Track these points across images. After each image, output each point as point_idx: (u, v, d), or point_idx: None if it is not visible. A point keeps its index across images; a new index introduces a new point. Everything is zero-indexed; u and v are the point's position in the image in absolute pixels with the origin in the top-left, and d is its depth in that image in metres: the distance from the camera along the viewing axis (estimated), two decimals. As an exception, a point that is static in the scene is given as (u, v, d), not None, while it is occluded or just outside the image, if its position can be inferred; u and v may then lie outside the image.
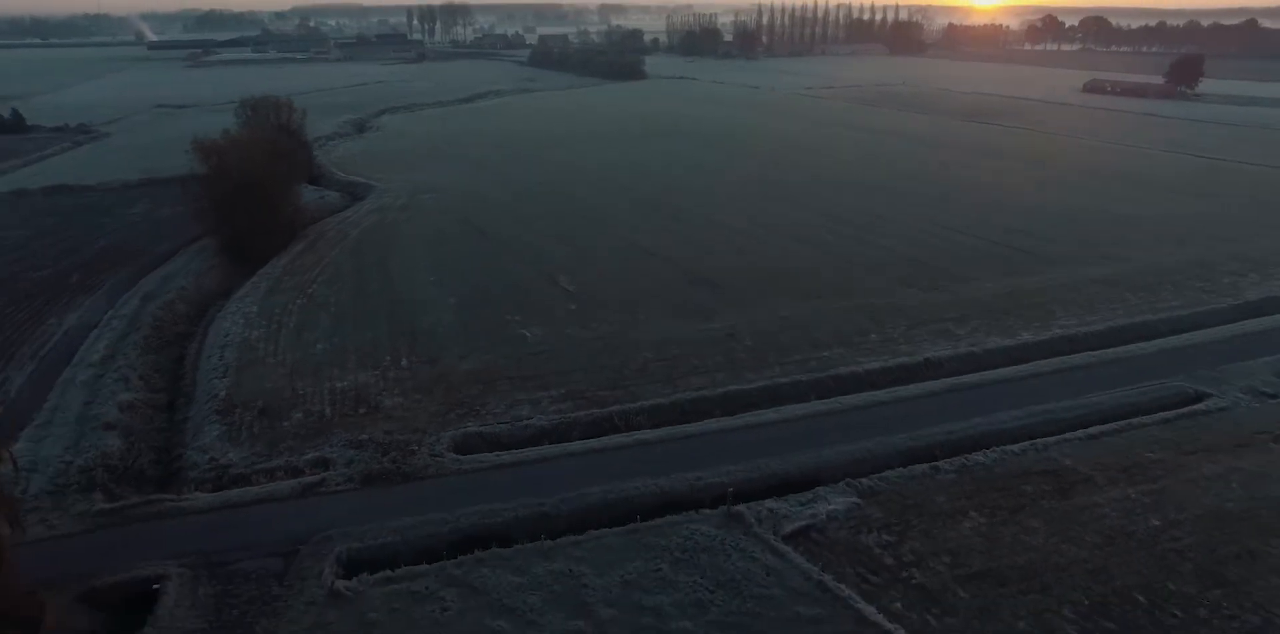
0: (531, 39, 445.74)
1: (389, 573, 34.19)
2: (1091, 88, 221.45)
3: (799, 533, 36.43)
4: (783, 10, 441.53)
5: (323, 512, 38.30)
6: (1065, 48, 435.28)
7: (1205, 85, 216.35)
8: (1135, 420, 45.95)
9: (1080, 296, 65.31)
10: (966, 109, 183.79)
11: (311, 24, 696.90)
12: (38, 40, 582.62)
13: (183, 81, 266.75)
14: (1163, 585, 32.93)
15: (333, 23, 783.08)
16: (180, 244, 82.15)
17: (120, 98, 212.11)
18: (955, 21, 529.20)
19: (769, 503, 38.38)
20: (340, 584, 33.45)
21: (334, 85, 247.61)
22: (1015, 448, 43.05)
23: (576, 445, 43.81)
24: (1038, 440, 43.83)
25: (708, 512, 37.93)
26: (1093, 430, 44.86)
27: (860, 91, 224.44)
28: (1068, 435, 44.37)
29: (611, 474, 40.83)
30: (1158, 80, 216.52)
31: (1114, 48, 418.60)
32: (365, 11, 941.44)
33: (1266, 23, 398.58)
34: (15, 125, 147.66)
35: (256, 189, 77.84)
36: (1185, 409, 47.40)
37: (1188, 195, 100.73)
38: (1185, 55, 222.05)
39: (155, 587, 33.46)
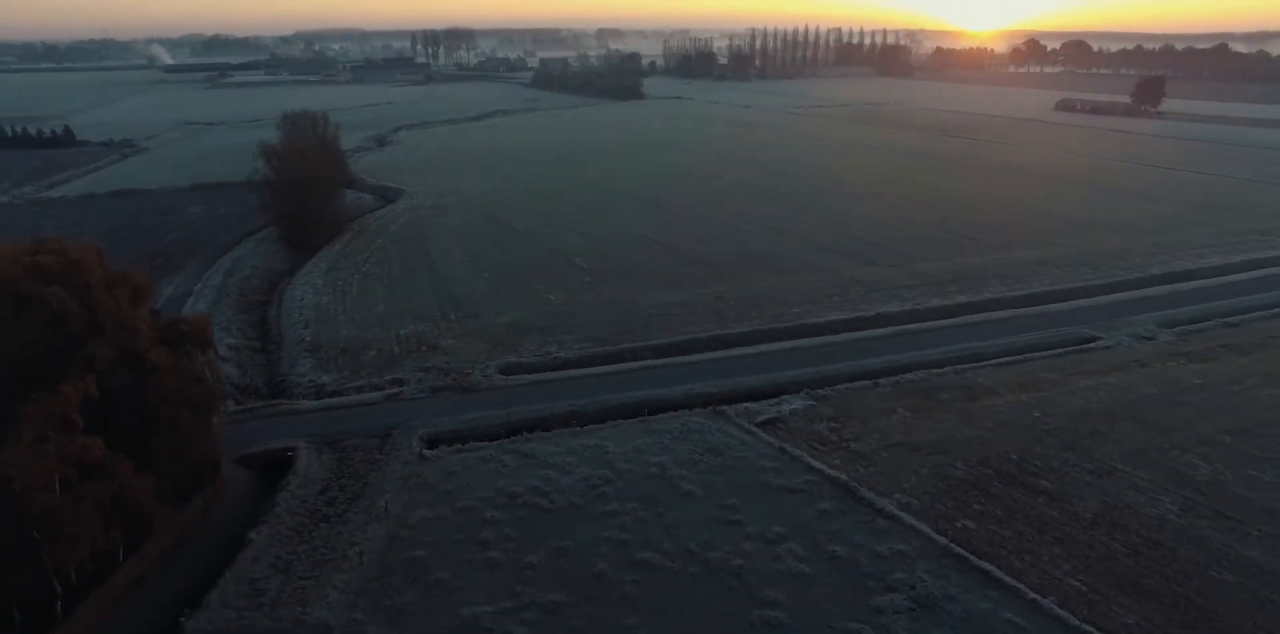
0: (533, 62, 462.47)
1: (460, 446, 46.16)
2: (1062, 106, 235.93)
3: (767, 422, 48.40)
4: (775, 35, 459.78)
5: (404, 411, 50.30)
6: (1048, 70, 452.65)
7: (1169, 104, 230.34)
8: (1037, 354, 58.26)
9: (1013, 272, 77.75)
10: (943, 125, 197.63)
11: (316, 48, 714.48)
12: (52, 64, 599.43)
13: (205, 102, 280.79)
14: (1031, 449, 44.98)
15: (336, 47, 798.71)
16: (241, 235, 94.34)
17: (151, 117, 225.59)
18: (944, 45, 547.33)
19: (745, 405, 50.43)
20: (426, 452, 45.40)
21: (348, 105, 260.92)
22: (939, 371, 55.28)
23: (595, 369, 56.05)
24: (958, 366, 56.05)
25: (699, 410, 49.96)
26: (1002, 361, 57.12)
27: (845, 110, 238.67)
28: (982, 364, 56.58)
29: (623, 387, 52.95)
30: (1125, 100, 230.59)
31: (1094, 70, 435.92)
32: (367, 36, 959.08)
33: (1238, 47, 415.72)
34: (67, 140, 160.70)
35: (311, 186, 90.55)
36: (1078, 347, 59.71)
37: (1132, 198, 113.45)
38: (1149, 76, 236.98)
39: (290, 453, 45.33)
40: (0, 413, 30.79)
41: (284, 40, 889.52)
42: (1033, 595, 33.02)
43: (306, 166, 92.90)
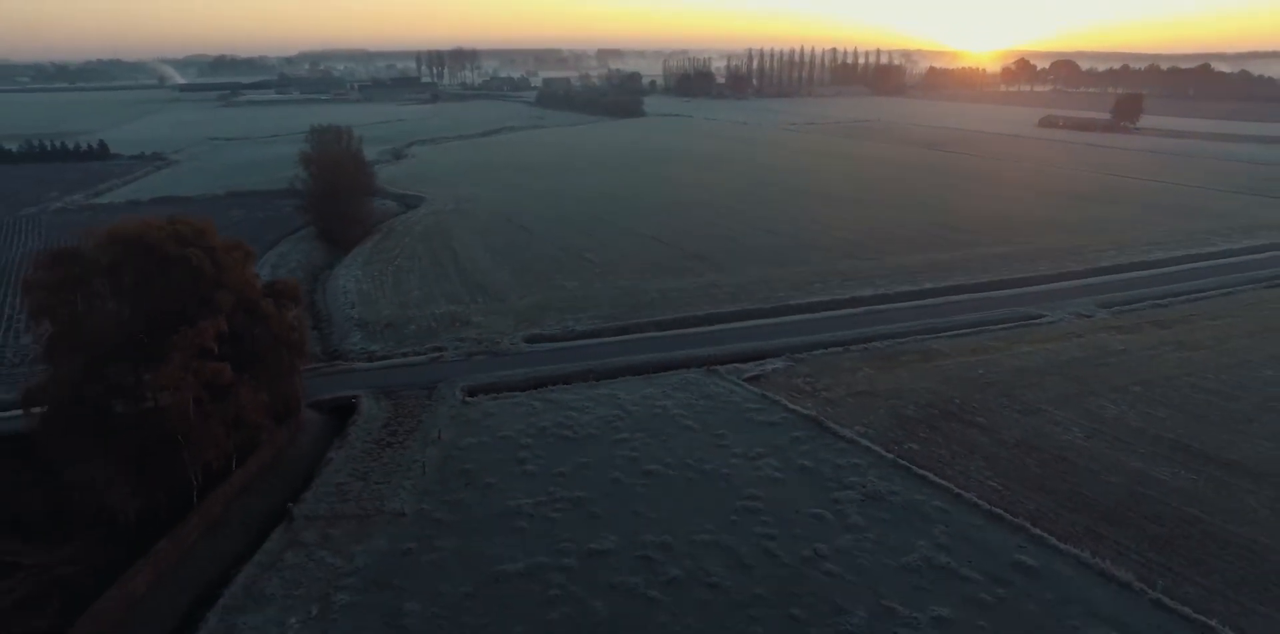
0: (536, 82, 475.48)
1: (495, 395, 55.23)
2: (1045, 122, 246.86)
3: (753, 378, 57.52)
4: (772, 55, 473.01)
5: (445, 370, 59.43)
6: (1038, 88, 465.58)
7: (1147, 120, 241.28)
8: (987, 328, 67.50)
9: (977, 264, 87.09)
10: (929, 139, 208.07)
11: (321, 68, 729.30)
12: (65, 84, 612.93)
13: (222, 119, 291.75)
14: (971, 396, 54.06)
15: (341, 67, 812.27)
16: (281, 235, 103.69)
17: (173, 133, 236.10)
18: (938, 66, 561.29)
19: (734, 365, 59.55)
20: (467, 399, 54.48)
21: (361, 122, 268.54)
22: (901, 340, 64.53)
23: (607, 339, 65.31)
24: (919, 337, 65.28)
25: (695, 369, 59.07)
26: (957, 333, 66.34)
27: (838, 126, 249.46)
28: (939, 335, 65.79)
29: (631, 352, 62.19)
30: (1106, 116, 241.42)
31: (1082, 88, 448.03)
32: (370, 56, 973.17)
33: (1222, 67, 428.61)
34: (102, 154, 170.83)
35: (344, 190, 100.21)
36: (1024, 322, 68.96)
37: (1095, 203, 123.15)
38: (1127, 94, 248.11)
39: (353, 400, 54.39)
40: (152, 345, 39.84)
41: (289, 60, 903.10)
42: (958, 491, 42.03)
43: (340, 173, 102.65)
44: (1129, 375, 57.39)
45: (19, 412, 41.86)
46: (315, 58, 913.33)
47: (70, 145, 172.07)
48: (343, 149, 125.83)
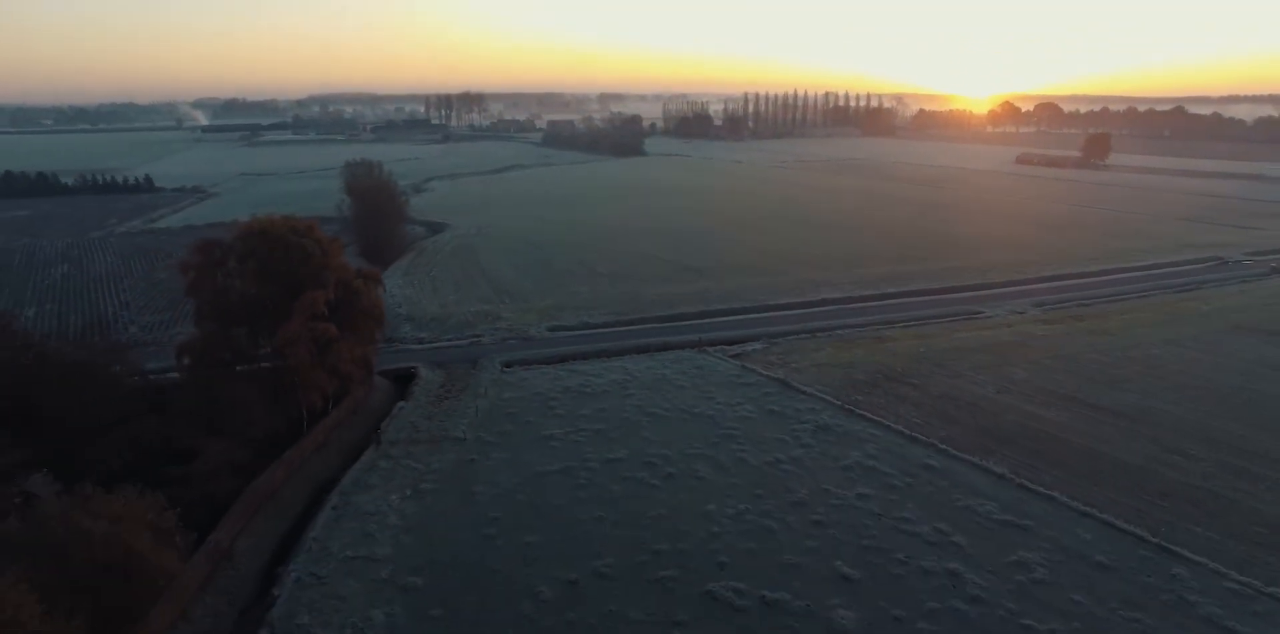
0: (541, 124, 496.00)
1: (527, 367, 68.36)
2: (1022, 160, 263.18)
3: (735, 355, 70.66)
4: (768, 98, 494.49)
5: (484, 350, 72.66)
6: (1023, 130, 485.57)
7: (1118, 158, 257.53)
8: (934, 321, 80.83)
9: (934, 275, 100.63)
10: (911, 176, 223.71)
11: (330, 110, 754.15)
12: (87, 126, 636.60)
13: (247, 157, 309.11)
14: (910, 366, 67.15)
15: (349, 110, 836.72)
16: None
17: (206, 169, 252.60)
18: (928, 108, 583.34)
19: (720, 346, 72.74)
20: (504, 370, 67.63)
21: (378, 160, 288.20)
22: (860, 329, 77.84)
23: (616, 329, 78.56)
24: (874, 327, 78.55)
25: (688, 349, 72.26)
26: (908, 325, 79.59)
27: (827, 164, 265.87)
28: (893, 326, 79.05)
29: (636, 337, 75.47)
30: (1077, 154, 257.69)
31: (1064, 129, 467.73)
32: (378, 99, 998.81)
33: (1195, 109, 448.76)
34: (148, 187, 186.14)
35: (381, 214, 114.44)
36: (966, 317, 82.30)
37: (1048, 228, 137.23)
38: (1096, 134, 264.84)
39: (413, 370, 67.51)
40: (280, 309, 53.16)
41: (299, 103, 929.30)
42: (888, 423, 55.00)
43: (378, 198, 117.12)
44: (1042, 352, 70.60)
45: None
46: (324, 101, 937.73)
47: (119, 179, 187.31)
48: (376, 179, 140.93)
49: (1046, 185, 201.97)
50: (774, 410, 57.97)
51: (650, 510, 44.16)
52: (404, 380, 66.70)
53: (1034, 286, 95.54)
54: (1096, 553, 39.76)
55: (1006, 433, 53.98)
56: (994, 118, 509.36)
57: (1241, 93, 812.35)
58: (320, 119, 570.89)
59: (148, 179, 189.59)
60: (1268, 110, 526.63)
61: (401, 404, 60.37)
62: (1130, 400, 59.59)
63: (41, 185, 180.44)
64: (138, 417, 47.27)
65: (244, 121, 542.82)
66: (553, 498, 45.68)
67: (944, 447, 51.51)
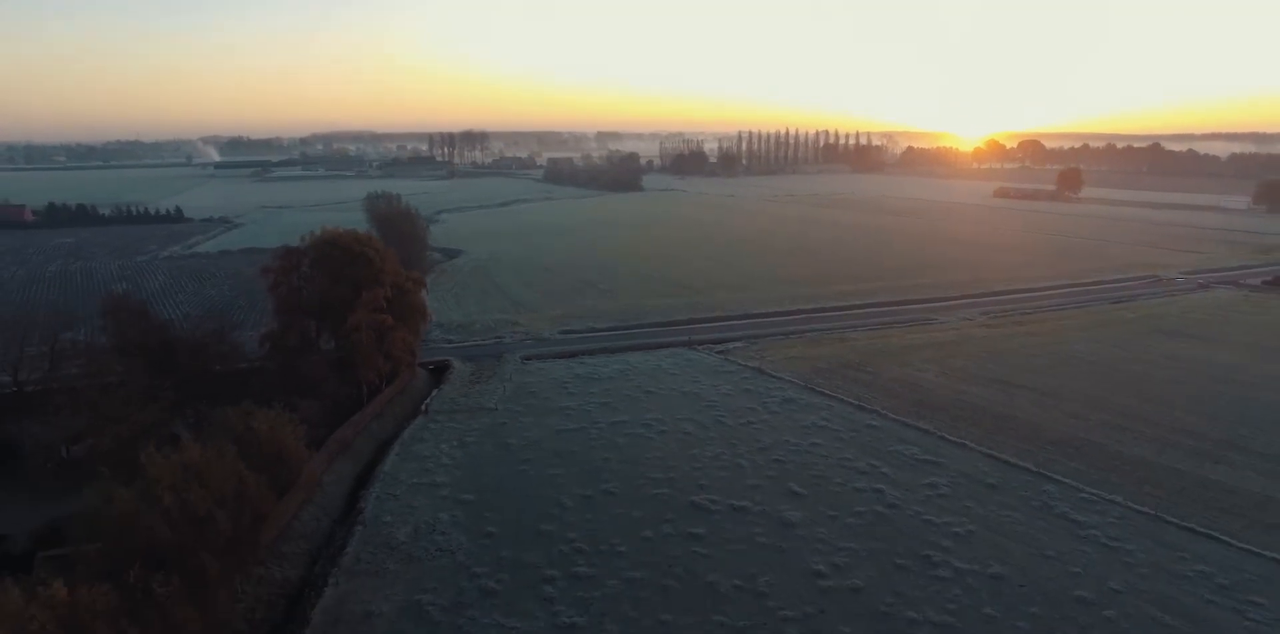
0: (541, 161, 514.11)
1: (543, 360, 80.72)
2: (999, 193, 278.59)
3: (720, 351, 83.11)
4: (761, 137, 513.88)
5: (505, 347, 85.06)
6: (1008, 166, 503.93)
7: (1092, 192, 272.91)
8: (894, 326, 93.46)
9: (899, 290, 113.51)
10: (894, 208, 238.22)
11: (334, 148, 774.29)
12: (99, 162, 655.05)
13: (262, 192, 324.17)
14: (867, 358, 79.57)
15: (352, 148, 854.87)
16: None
17: (226, 202, 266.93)
18: (916, 145, 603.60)
19: (707, 345, 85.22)
20: (524, 362, 79.97)
21: (396, 193, 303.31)
22: (828, 332, 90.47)
23: (618, 331, 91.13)
24: (840, 330, 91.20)
25: (680, 347, 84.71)
26: (870, 329, 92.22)
27: (815, 198, 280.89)
28: (856, 329, 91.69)
29: (635, 338, 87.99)
30: (1051, 187, 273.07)
31: (1047, 166, 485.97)
32: (379, 137, 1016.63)
33: (1172, 146, 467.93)
34: (178, 218, 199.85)
35: (408, 237, 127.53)
36: (921, 322, 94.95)
37: (1009, 251, 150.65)
38: (1068, 168, 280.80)
39: (446, 362, 79.78)
40: (345, 304, 65.63)
41: (303, 141, 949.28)
42: (842, 397, 67.28)
43: (401, 224, 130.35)
44: (981, 349, 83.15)
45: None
46: (326, 139, 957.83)
47: (151, 210, 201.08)
48: (399, 207, 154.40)
49: (1018, 216, 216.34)
50: (749, 389, 70.28)
51: (646, 454, 56.26)
52: (439, 371, 78.93)
53: (985, 299, 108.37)
54: (989, 478, 51.89)
55: (938, 404, 66.27)
56: (979, 155, 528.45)
57: (1223, 131, 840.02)
58: (327, 156, 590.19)
59: (178, 210, 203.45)
60: (1247, 147, 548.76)
61: (440, 387, 72.58)
62: (1045, 381, 71.99)
63: (81, 215, 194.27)
64: (241, 380, 59.43)
65: (254, 158, 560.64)
66: (570, 446, 57.78)
67: (884, 412, 63.81)
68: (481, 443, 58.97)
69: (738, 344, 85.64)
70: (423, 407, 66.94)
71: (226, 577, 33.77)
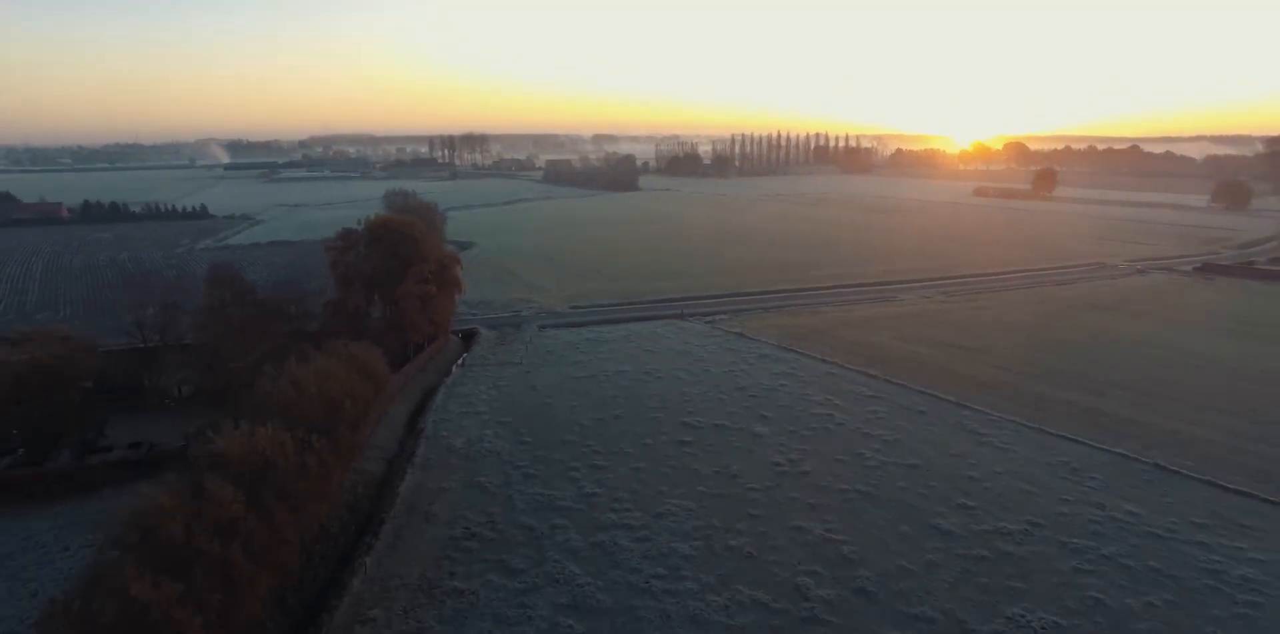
0: (540, 163, 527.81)
1: (557, 329, 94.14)
2: (979, 192, 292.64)
3: (707, 322, 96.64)
4: (753, 139, 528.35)
5: (524, 319, 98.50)
6: (993, 167, 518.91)
7: (1070, 191, 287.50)
8: (860, 302, 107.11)
9: (870, 274, 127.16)
10: (877, 206, 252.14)
11: (334, 150, 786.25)
12: (106, 164, 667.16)
13: (275, 192, 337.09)
14: (835, 327, 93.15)
15: (352, 150, 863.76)
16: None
17: (242, 201, 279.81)
18: (905, 147, 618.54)
19: (696, 316, 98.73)
20: (541, 330, 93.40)
21: (411, 190, 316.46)
22: (802, 307, 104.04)
23: (620, 307, 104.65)
24: (813, 306, 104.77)
25: (674, 319, 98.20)
26: (839, 305, 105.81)
27: (804, 197, 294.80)
28: (828, 305, 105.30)
29: (635, 312, 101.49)
30: (1028, 187, 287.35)
31: (1030, 167, 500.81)
32: (378, 140, 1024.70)
33: (1149, 148, 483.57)
34: (203, 215, 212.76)
35: (427, 231, 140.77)
36: (885, 299, 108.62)
37: (980, 244, 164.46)
38: (1043, 169, 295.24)
39: (474, 330, 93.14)
40: (396, 277, 78.87)
41: (302, 144, 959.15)
42: (809, 353, 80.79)
43: (421, 217, 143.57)
44: (932, 319, 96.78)
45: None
46: (326, 141, 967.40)
47: (179, 208, 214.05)
48: (416, 202, 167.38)
49: (993, 213, 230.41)
50: (731, 348, 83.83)
51: (647, 391, 69.73)
52: (468, 337, 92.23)
53: (945, 281, 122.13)
54: (920, 407, 65.46)
55: (889, 358, 79.85)
56: (965, 157, 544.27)
57: (1207, 134, 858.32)
58: (331, 158, 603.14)
59: (203, 207, 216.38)
60: (1229, 150, 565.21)
61: (469, 350, 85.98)
62: (982, 343, 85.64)
63: (114, 212, 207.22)
64: (312, 339, 72.70)
65: (262, 160, 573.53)
66: (585, 387, 71.22)
67: (843, 364, 77.39)
68: (512, 385, 72.38)
69: (723, 316, 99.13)
70: (459, 361, 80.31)
71: (351, 448, 47.15)
